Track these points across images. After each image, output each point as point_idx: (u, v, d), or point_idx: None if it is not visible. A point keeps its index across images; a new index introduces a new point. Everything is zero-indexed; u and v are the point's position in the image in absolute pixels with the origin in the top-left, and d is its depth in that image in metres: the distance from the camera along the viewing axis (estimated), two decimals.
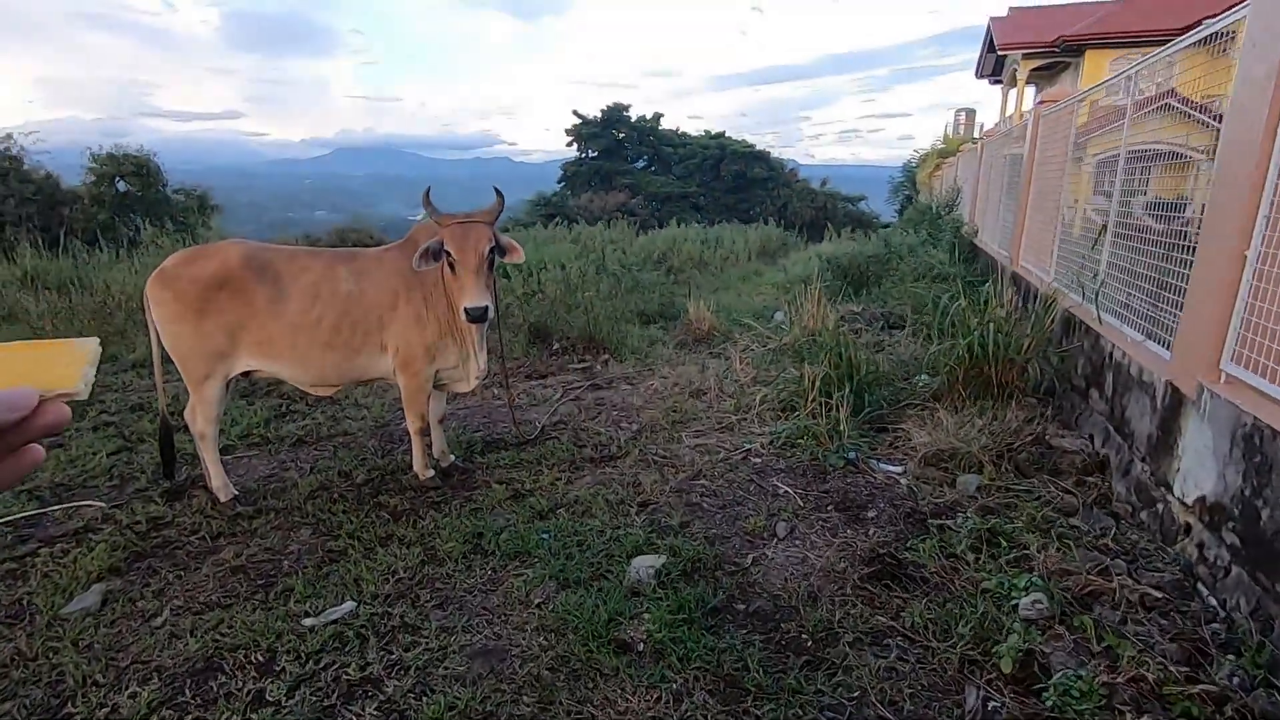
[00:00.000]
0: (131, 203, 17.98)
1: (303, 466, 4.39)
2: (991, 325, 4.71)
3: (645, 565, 2.85)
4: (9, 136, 16.89)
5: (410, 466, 4.07)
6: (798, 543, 3.14)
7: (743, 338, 7.47)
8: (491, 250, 3.41)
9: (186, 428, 3.83)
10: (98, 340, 0.61)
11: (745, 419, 4.85)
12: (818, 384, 4.49)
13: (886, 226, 23.35)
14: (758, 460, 4.12)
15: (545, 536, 3.26)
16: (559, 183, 38.25)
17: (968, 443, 3.88)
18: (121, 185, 18.23)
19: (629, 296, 8.86)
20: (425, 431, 3.98)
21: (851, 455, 3.98)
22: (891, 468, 3.85)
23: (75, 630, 2.73)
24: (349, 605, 2.77)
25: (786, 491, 3.66)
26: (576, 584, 2.82)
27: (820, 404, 4.39)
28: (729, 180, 37.04)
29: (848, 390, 4.40)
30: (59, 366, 0.57)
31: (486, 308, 3.30)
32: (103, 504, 3.94)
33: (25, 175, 16.51)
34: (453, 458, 4.26)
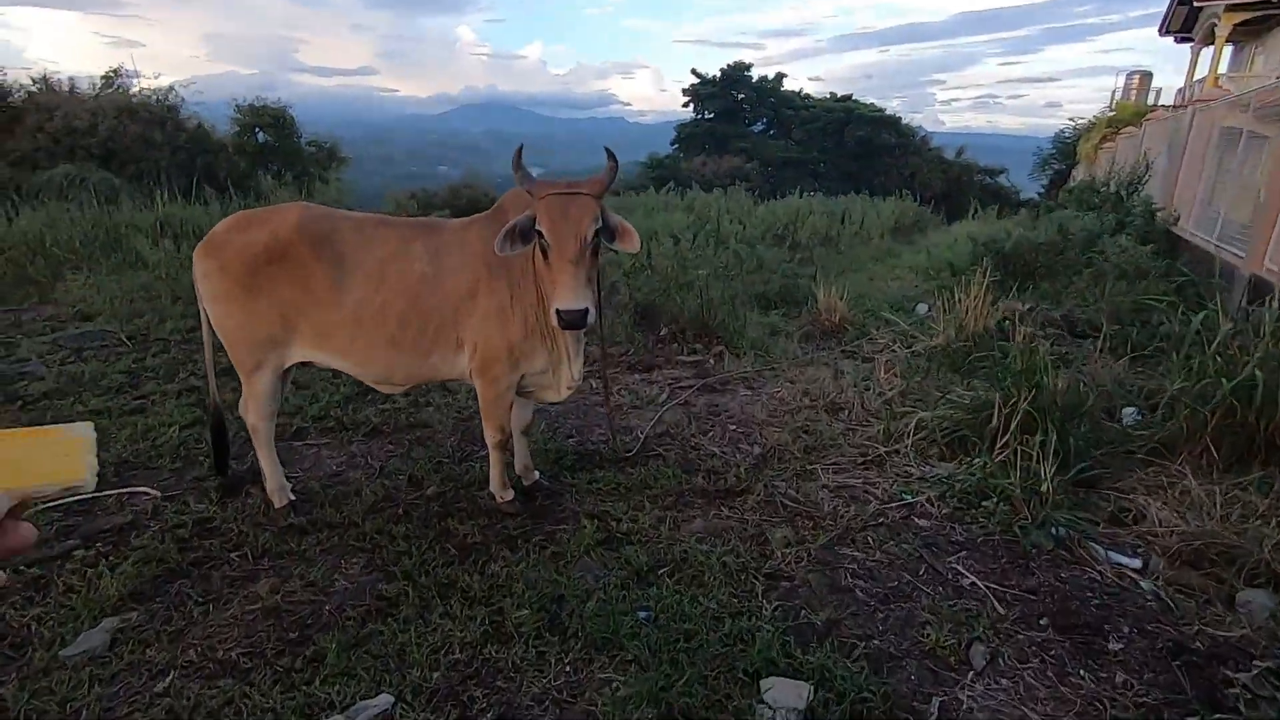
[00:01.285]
0: (269, 153, 18.65)
1: (371, 465, 3.82)
2: (1256, 357, 3.43)
3: (784, 700, 1.98)
4: (170, 89, 17.81)
5: (487, 482, 3.39)
6: (1005, 683, 2.16)
7: (880, 333, 6.35)
8: (597, 233, 2.59)
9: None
10: (91, 425, 0.62)
11: (898, 452, 3.84)
12: (1012, 419, 3.40)
13: (1028, 204, 20.69)
14: (925, 524, 3.13)
15: (643, 617, 2.47)
16: (672, 145, 37.03)
17: (1244, 535, 2.72)
18: (261, 136, 18.90)
19: (748, 277, 7.85)
20: (506, 446, 3.27)
21: (1061, 531, 2.91)
22: (1126, 560, 2.76)
23: (69, 683, 2.22)
24: (384, 701, 2.10)
25: (974, 584, 2.67)
26: (685, 719, 2.01)
27: (1014, 448, 3.31)
28: (853, 147, 34.49)
29: (1050, 433, 3.29)
30: (58, 458, 0.58)
31: (585, 311, 2.46)
32: (157, 493, 3.53)
33: (180, 125, 17.32)
34: (537, 475, 3.55)
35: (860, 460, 3.80)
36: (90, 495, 3.49)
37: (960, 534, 3.03)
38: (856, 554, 2.91)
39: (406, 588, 2.72)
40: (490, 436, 3.20)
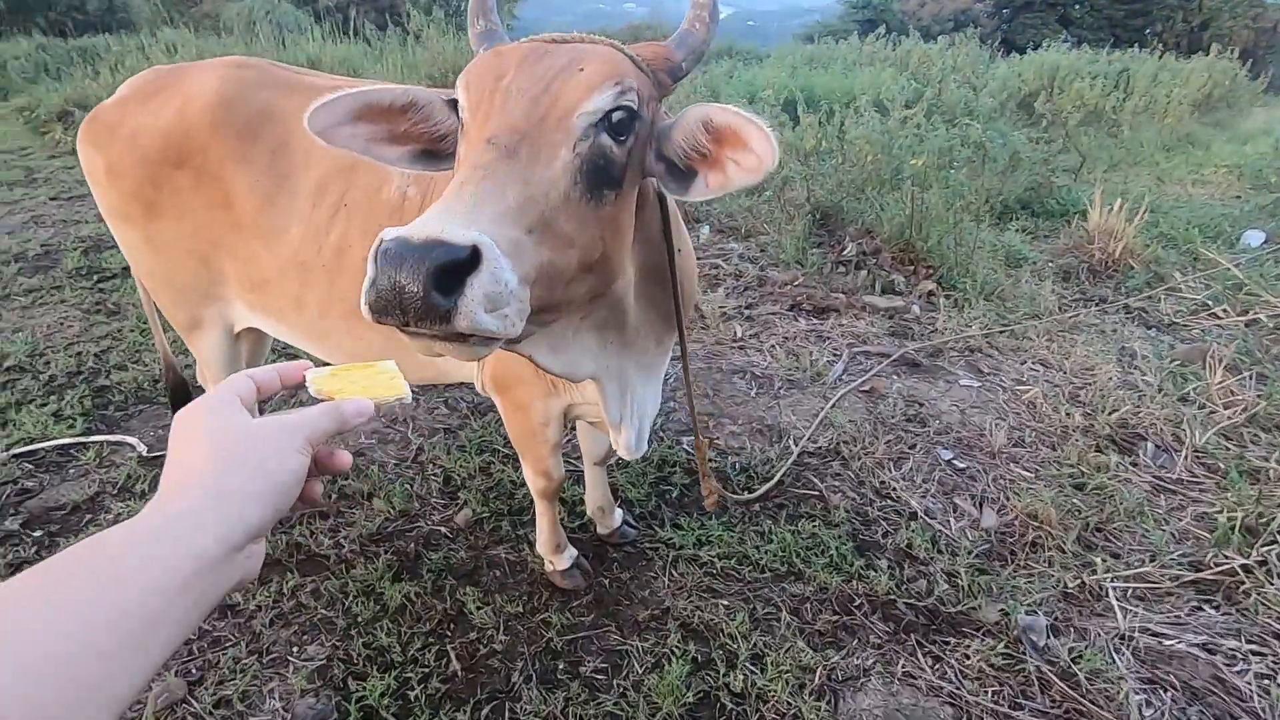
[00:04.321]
0: None
1: (401, 456, 2.73)
2: None
3: None
4: None
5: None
6: None
7: (1189, 280, 4.12)
8: (614, 131, 1.02)
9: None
10: (394, 361, 0.75)
11: (1272, 572, 2.06)
12: None
13: None
14: None
15: None
16: None
17: None
18: None
19: (984, 170, 5.57)
20: (557, 494, 1.98)
21: None
22: None
23: None
24: None
25: None
26: None
27: None
28: None
29: None
30: (385, 383, 0.72)
31: (427, 269, 0.77)
32: (143, 448, 2.71)
33: None
34: (618, 519, 2.26)
35: (1188, 579, 2.08)
36: (74, 440, 2.75)
37: None
38: None
39: None
40: (531, 482, 1.91)
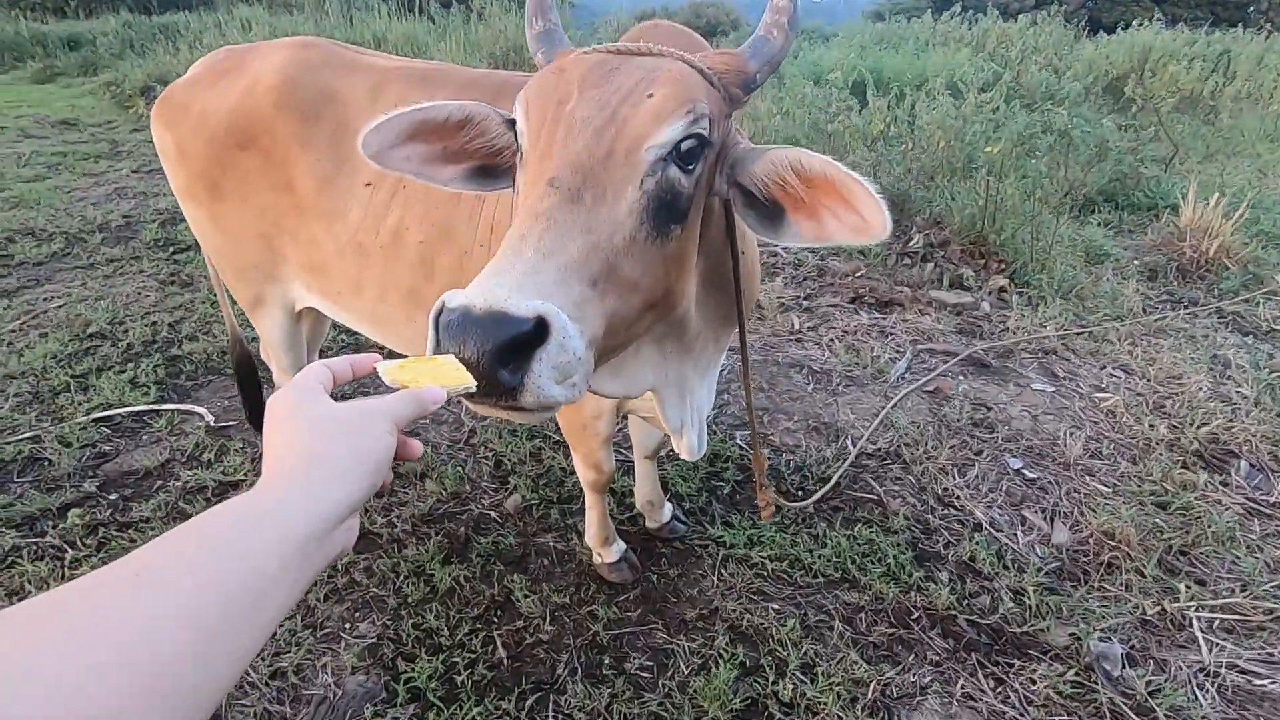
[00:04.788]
0: None
1: (454, 438, 2.75)
2: None
3: None
4: None
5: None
6: None
7: None
8: (681, 162, 0.94)
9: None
10: (453, 356, 0.75)
11: None
12: None
13: None
14: None
15: None
16: None
17: None
18: None
19: (1067, 160, 5.24)
20: (607, 487, 1.95)
21: None
22: None
23: None
24: None
25: None
26: None
27: None
28: None
29: None
30: (451, 372, 0.73)
31: (499, 348, 0.73)
32: (210, 417, 2.81)
33: None
34: (668, 513, 2.22)
35: None
36: (148, 408, 2.87)
37: None
38: None
39: (414, 717, 1.65)
40: (581, 474, 1.89)
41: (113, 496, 2.40)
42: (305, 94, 1.66)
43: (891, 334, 3.44)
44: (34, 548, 2.16)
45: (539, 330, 0.75)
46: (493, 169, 1.12)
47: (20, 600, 1.78)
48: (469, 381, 0.73)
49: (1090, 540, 2.15)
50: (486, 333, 0.73)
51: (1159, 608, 1.93)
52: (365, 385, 2.55)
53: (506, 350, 0.73)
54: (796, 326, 3.48)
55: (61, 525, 2.24)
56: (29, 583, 2.03)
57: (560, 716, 1.69)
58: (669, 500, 2.26)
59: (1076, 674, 1.75)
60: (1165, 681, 1.74)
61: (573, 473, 2.40)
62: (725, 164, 1.03)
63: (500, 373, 0.74)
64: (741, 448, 2.59)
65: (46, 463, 2.54)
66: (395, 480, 2.46)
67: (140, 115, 8.12)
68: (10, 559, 2.12)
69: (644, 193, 0.91)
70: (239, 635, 0.50)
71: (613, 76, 0.95)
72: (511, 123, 1.03)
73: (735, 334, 1.40)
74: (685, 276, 1.05)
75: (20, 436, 2.66)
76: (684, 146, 0.94)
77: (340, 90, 1.67)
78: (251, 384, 2.40)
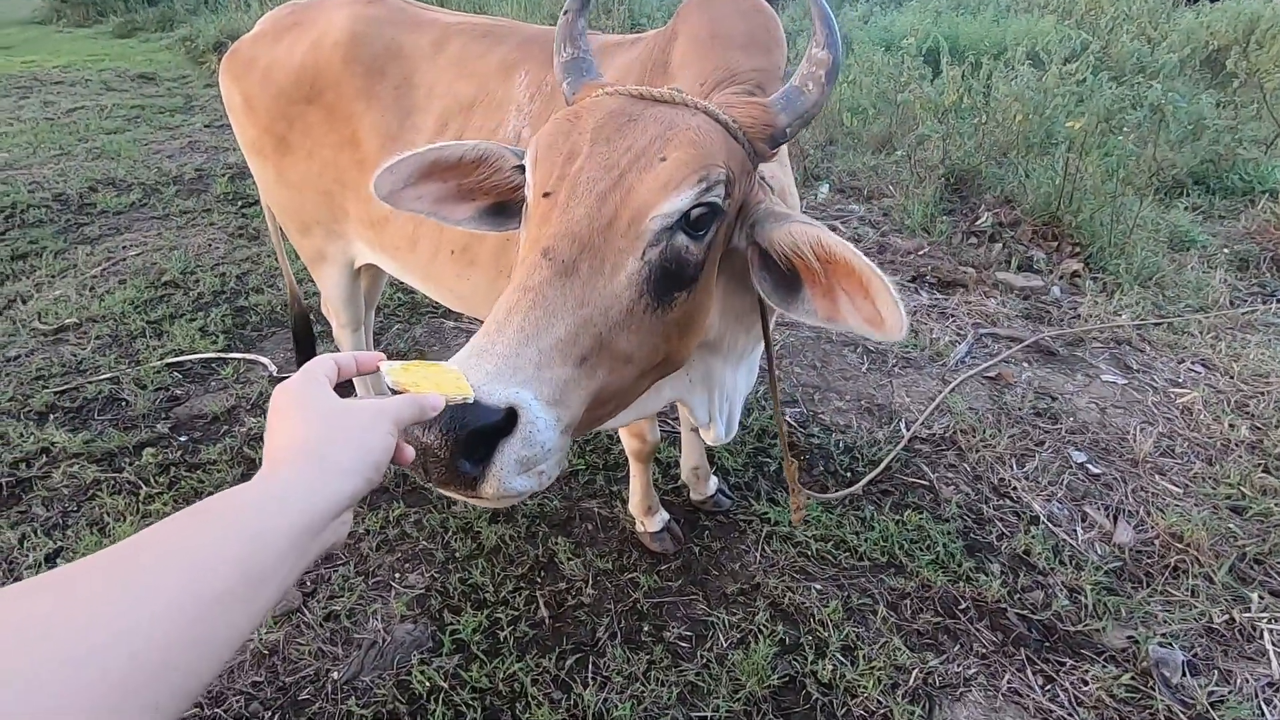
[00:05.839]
0: None
1: None
2: None
3: None
4: None
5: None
6: None
7: None
8: (675, 225, 0.89)
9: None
10: (456, 366, 0.78)
11: None
12: None
13: None
14: None
15: None
16: None
17: None
18: None
19: (1157, 138, 4.90)
20: (650, 456, 1.95)
21: None
22: None
23: None
24: None
25: None
26: None
27: None
28: None
29: None
30: (452, 382, 0.74)
31: (474, 431, 0.75)
32: (273, 368, 2.92)
33: None
34: (713, 486, 2.21)
35: None
36: (216, 355, 2.99)
37: None
38: None
39: (457, 668, 1.71)
40: (626, 443, 1.89)
41: (183, 438, 2.52)
42: (371, 49, 1.66)
43: (953, 316, 3.31)
44: (112, 482, 2.30)
45: (509, 419, 0.74)
46: (507, 206, 1.10)
47: (100, 531, 1.88)
48: (468, 393, 0.73)
49: (1156, 541, 2.05)
50: (454, 419, 0.72)
51: (1228, 616, 1.84)
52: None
53: (474, 438, 0.73)
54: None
55: (137, 463, 2.38)
56: (107, 514, 2.16)
57: (599, 678, 1.72)
58: (715, 473, 2.25)
59: (1132, 678, 1.69)
60: (1230, 693, 1.66)
61: (619, 439, 2.41)
62: (746, 222, 0.99)
63: (461, 462, 0.73)
64: (791, 425, 2.55)
65: (124, 403, 2.68)
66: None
67: (212, 71, 8.34)
68: (91, 491, 2.26)
69: (645, 263, 0.87)
70: (233, 620, 0.50)
71: (627, 131, 0.91)
72: (523, 166, 1.01)
73: (772, 318, 1.36)
74: (694, 338, 1.01)
75: (101, 377, 2.81)
76: (694, 214, 0.89)
77: (405, 46, 1.66)
78: (307, 343, 2.47)
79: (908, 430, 2.50)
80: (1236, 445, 2.41)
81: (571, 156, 0.91)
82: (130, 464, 2.37)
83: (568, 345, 0.81)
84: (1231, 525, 2.09)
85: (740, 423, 2.50)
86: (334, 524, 0.60)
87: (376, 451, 0.64)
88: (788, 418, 2.59)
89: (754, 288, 1.17)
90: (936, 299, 3.46)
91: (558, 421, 0.78)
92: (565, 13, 1.14)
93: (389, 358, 0.77)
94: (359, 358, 0.75)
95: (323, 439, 0.62)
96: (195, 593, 0.48)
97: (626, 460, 2.16)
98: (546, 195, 0.90)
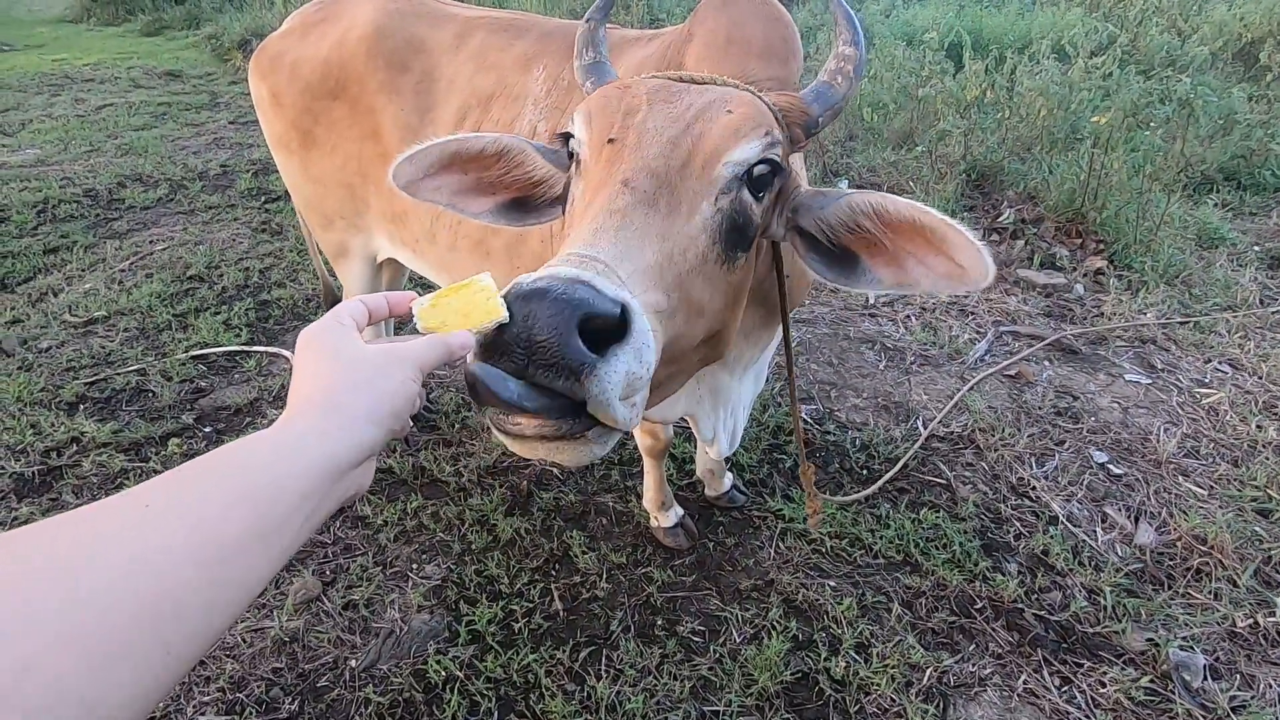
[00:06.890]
0: None
1: None
2: None
3: None
4: None
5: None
6: None
7: None
8: (741, 177, 0.89)
9: None
10: (489, 273, 0.72)
11: None
12: None
13: None
14: None
15: None
16: None
17: None
18: None
19: (1186, 134, 4.80)
20: (664, 454, 1.96)
21: None
22: None
23: None
24: None
25: None
26: None
27: None
28: None
29: None
30: (482, 304, 0.69)
31: (560, 341, 0.65)
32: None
33: None
34: (728, 482, 2.21)
35: None
36: (240, 349, 3.05)
37: None
38: None
39: (473, 658, 1.73)
40: (639, 440, 1.90)
41: (207, 429, 2.57)
42: (394, 44, 1.68)
43: (973, 313, 3.28)
44: (139, 471, 2.35)
45: (619, 324, 0.66)
46: (528, 202, 1.10)
47: None
48: (500, 314, 0.67)
49: (1178, 543, 2.02)
50: (567, 294, 0.63)
51: (1251, 620, 1.80)
52: None
53: (587, 324, 0.63)
54: (870, 300, 3.37)
55: (163, 453, 2.43)
56: None
57: (612, 671, 1.74)
58: (730, 470, 2.25)
59: (1151, 681, 1.67)
60: (1252, 698, 1.63)
61: (632, 435, 2.42)
62: (786, 206, 0.98)
63: (574, 339, 0.62)
64: (807, 422, 2.55)
65: (151, 394, 2.74)
66: (463, 431, 2.54)
67: (237, 68, 8.46)
68: (119, 480, 2.32)
69: (718, 210, 0.87)
70: (250, 564, 0.50)
71: (681, 95, 0.92)
72: (552, 153, 1.00)
73: (777, 331, 1.36)
74: (738, 317, 1.01)
75: (129, 369, 2.87)
76: (756, 171, 0.89)
77: (427, 40, 1.68)
78: None
79: (925, 428, 2.49)
80: (1264, 447, 2.37)
81: (631, 112, 0.91)
82: (156, 454, 2.43)
83: (655, 274, 0.77)
84: (1257, 528, 2.06)
85: (756, 419, 2.51)
86: (354, 473, 0.59)
87: (398, 399, 0.62)
88: (804, 415, 2.58)
89: (761, 301, 1.19)
90: (955, 296, 3.42)
91: (657, 344, 0.72)
92: (587, 21, 1.16)
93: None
94: (390, 298, 0.73)
95: (342, 386, 0.61)
96: (206, 536, 0.48)
97: (641, 456, 2.17)
98: (611, 141, 0.89)
